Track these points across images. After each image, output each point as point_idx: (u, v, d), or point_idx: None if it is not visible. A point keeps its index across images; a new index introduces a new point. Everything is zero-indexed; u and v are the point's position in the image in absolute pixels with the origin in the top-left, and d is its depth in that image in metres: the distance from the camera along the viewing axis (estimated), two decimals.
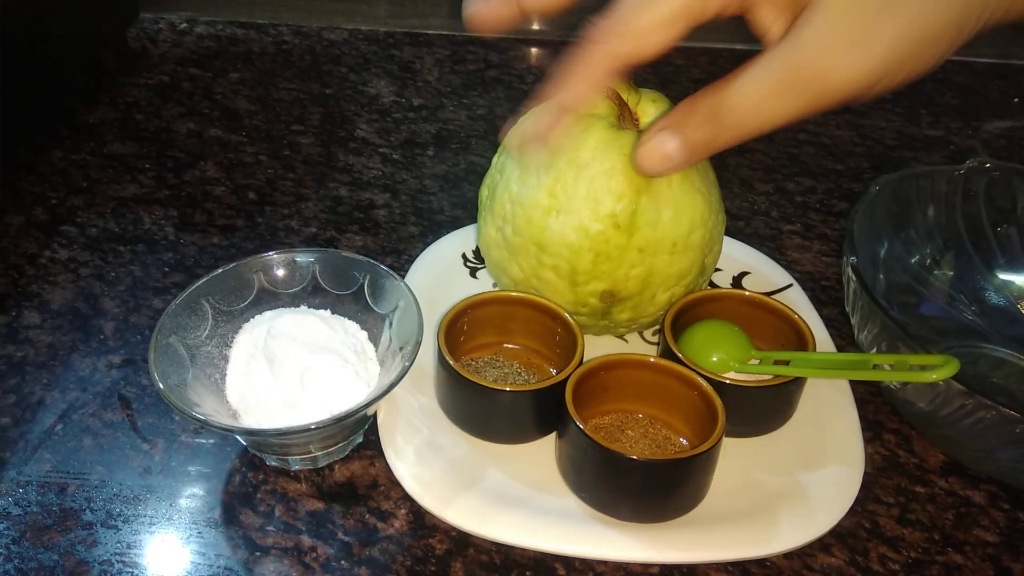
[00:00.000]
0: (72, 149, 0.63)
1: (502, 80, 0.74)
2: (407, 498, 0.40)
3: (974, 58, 0.80)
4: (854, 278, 0.42)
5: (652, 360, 0.41)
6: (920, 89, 0.75)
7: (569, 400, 0.38)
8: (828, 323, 0.49)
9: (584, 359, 0.41)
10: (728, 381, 0.40)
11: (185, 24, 0.80)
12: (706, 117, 0.32)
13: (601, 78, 0.33)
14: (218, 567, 0.37)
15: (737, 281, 0.52)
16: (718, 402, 0.38)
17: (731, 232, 0.56)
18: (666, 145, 0.33)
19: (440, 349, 0.40)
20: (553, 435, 0.41)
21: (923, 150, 0.68)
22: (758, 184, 0.63)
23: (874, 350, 0.41)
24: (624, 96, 0.43)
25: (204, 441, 0.43)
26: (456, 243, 0.53)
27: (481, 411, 0.41)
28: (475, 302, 0.44)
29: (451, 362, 0.40)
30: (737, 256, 0.53)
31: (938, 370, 0.33)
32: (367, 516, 0.40)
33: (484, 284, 0.51)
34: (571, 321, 0.42)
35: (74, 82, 0.70)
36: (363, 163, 0.63)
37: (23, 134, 0.62)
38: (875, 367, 0.38)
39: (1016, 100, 0.75)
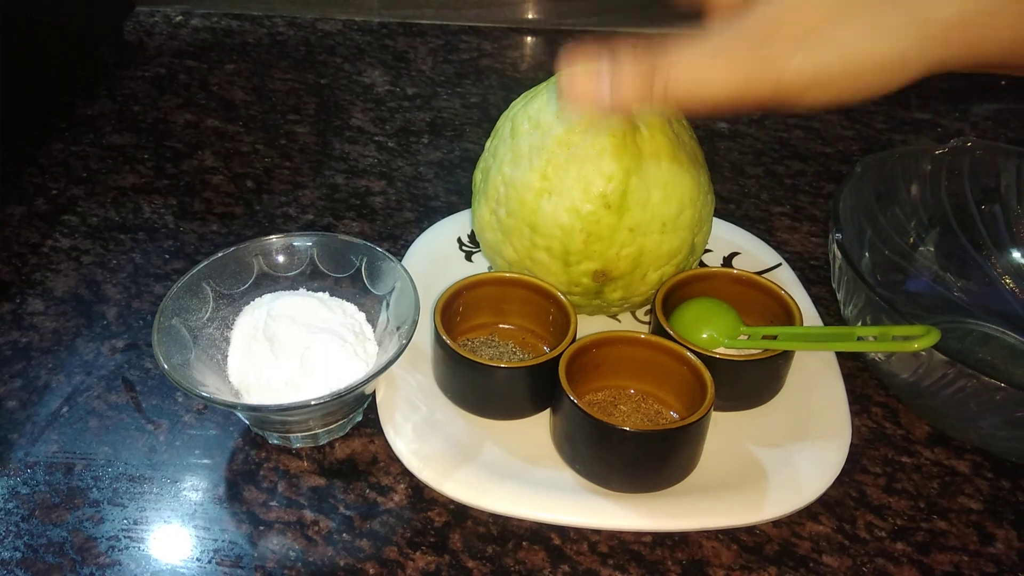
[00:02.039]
0: (72, 141, 0.64)
1: (495, 68, 0.75)
2: (406, 473, 0.41)
3: None
4: (839, 254, 0.43)
5: (642, 336, 0.42)
6: None
7: (563, 375, 0.39)
8: (816, 301, 0.50)
9: (577, 337, 0.42)
10: (718, 356, 0.41)
11: (180, 17, 0.81)
12: (646, 72, 0.32)
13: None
14: (223, 541, 0.39)
15: (728, 261, 0.53)
16: (707, 375, 0.39)
17: (722, 214, 0.57)
18: (601, 80, 0.32)
19: (436, 328, 0.41)
20: (547, 411, 0.42)
21: (912, 132, 0.69)
22: (748, 168, 0.64)
23: (859, 323, 0.42)
24: None
25: (207, 421, 0.44)
26: (451, 228, 0.54)
27: (477, 388, 0.42)
28: (470, 283, 0.44)
29: (447, 341, 0.41)
30: (728, 237, 0.54)
31: (919, 339, 0.35)
32: (367, 491, 0.41)
33: (479, 267, 0.51)
34: (564, 300, 0.43)
35: (72, 76, 0.71)
36: (359, 151, 0.64)
37: (24, 127, 0.63)
38: (859, 339, 0.39)
39: (1003, 82, 0.76)
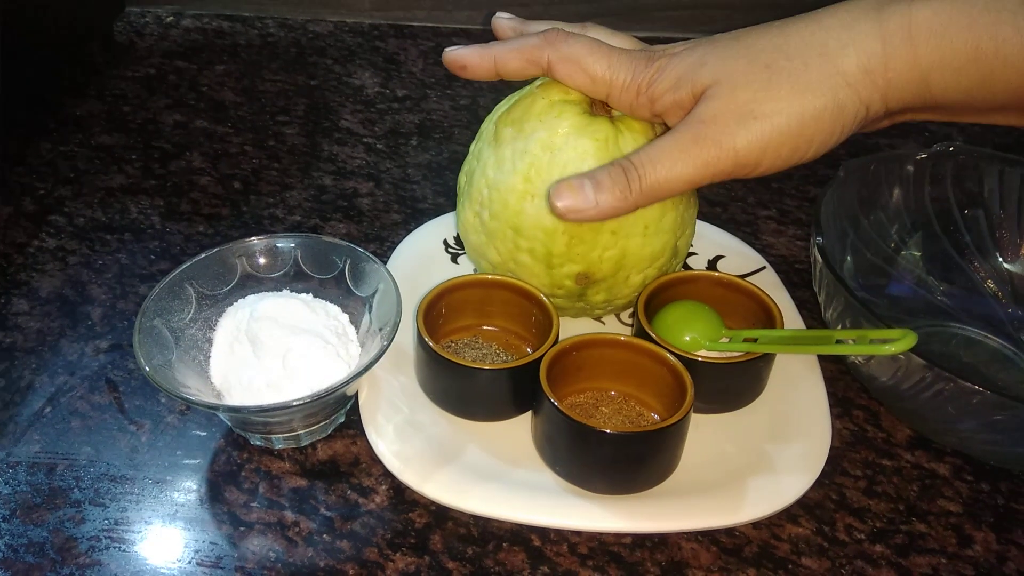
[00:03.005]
0: (60, 141, 0.64)
1: None
2: (387, 474, 0.41)
3: None
4: (819, 257, 0.43)
5: (623, 339, 0.42)
6: None
7: (543, 377, 0.39)
8: (800, 304, 0.50)
9: (560, 339, 0.42)
10: (700, 358, 0.41)
11: (171, 17, 0.81)
12: (621, 181, 0.37)
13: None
14: (203, 541, 0.39)
15: (712, 264, 0.53)
16: (687, 377, 0.39)
17: (708, 217, 0.57)
18: (585, 190, 0.37)
19: (419, 330, 0.42)
20: (529, 413, 0.42)
21: (899, 136, 0.69)
22: None
23: (839, 327, 0.42)
24: None
25: (190, 422, 0.44)
26: (437, 230, 0.54)
27: (459, 390, 0.42)
28: (453, 285, 0.45)
29: (429, 342, 0.41)
30: (713, 240, 0.54)
31: (896, 343, 0.35)
32: (349, 492, 0.41)
33: (465, 269, 0.52)
34: (547, 303, 0.44)
35: (62, 75, 0.71)
36: (347, 153, 0.64)
37: (11, 126, 0.63)
38: (838, 342, 0.39)
39: None
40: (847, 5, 0.36)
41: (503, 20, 0.44)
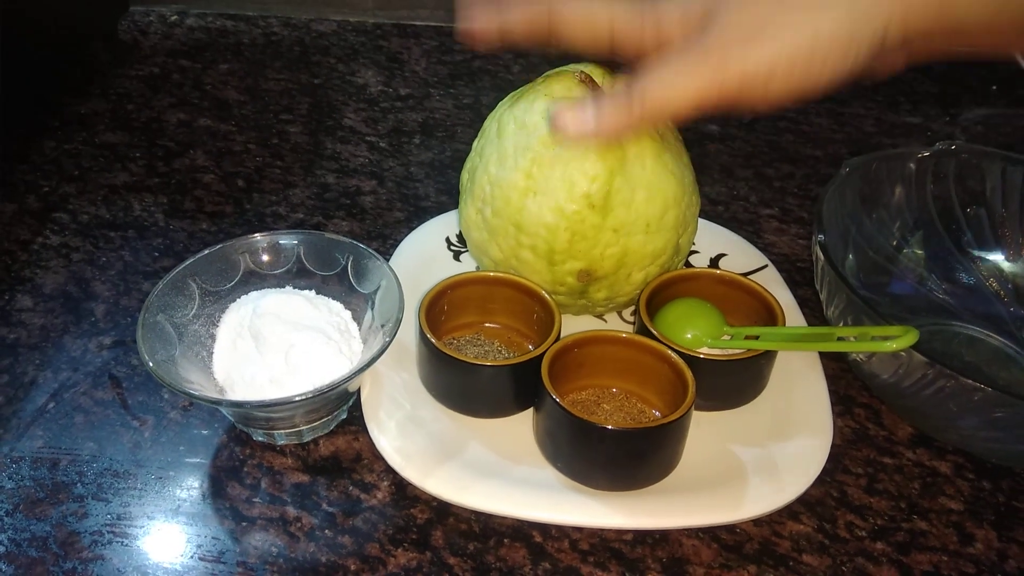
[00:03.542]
0: (64, 139, 0.64)
1: (488, 70, 0.75)
2: (389, 470, 0.41)
3: None
4: (821, 255, 0.43)
5: (624, 336, 0.42)
6: (900, 77, 0.76)
7: (545, 374, 0.39)
8: (802, 303, 0.50)
9: (562, 336, 0.42)
10: (701, 356, 0.41)
11: (175, 16, 0.81)
12: (622, 98, 0.35)
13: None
14: (206, 536, 0.39)
15: (714, 263, 0.53)
16: (689, 374, 0.39)
17: (710, 216, 0.57)
18: (586, 107, 0.36)
19: (421, 326, 0.42)
20: (530, 410, 0.42)
21: (902, 136, 0.69)
22: (738, 170, 0.64)
23: (841, 324, 0.42)
24: (598, 80, 0.44)
25: (192, 418, 0.44)
26: (440, 227, 0.54)
27: (461, 386, 0.42)
28: (456, 282, 0.45)
29: (432, 339, 0.41)
30: (715, 239, 0.54)
31: (898, 340, 0.35)
32: (351, 488, 0.41)
33: (467, 267, 0.52)
34: (549, 300, 0.44)
35: (66, 74, 0.71)
36: (350, 151, 0.64)
37: (16, 125, 0.63)
38: (839, 339, 0.39)
39: (994, 87, 0.76)
40: None
41: None
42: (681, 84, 0.34)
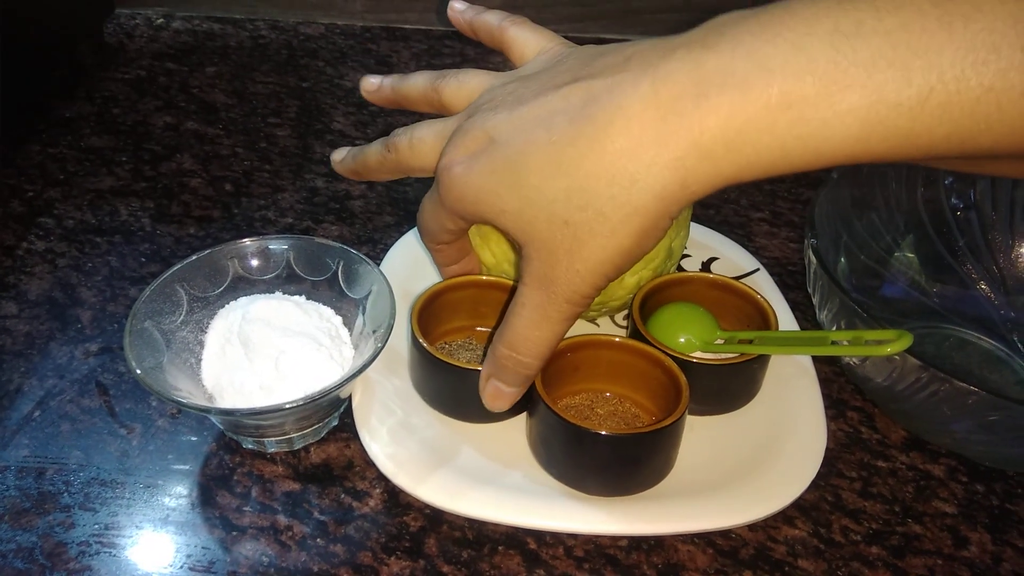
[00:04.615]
0: (49, 143, 0.63)
1: None
2: (382, 478, 0.41)
3: None
4: (813, 258, 0.43)
5: (618, 340, 0.42)
6: None
7: (538, 379, 0.39)
8: (794, 306, 0.50)
9: None
10: (695, 360, 0.41)
11: (161, 19, 0.80)
12: (504, 363, 0.37)
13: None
14: (195, 546, 0.38)
15: (706, 266, 0.53)
16: (682, 379, 0.39)
17: (701, 219, 0.57)
18: (501, 389, 0.38)
19: (413, 331, 0.41)
20: (524, 415, 0.42)
21: None
22: None
23: (834, 328, 0.42)
24: None
25: (181, 426, 0.43)
26: None
27: (454, 391, 0.42)
28: (448, 286, 0.44)
29: (423, 343, 0.41)
30: (706, 242, 0.54)
31: (892, 344, 0.35)
32: (342, 496, 0.40)
33: None
34: None
35: (51, 77, 0.70)
36: None
37: (0, 128, 0.62)
38: (833, 343, 0.39)
39: None
40: (633, 117, 0.30)
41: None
42: (538, 335, 0.36)
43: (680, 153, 0.29)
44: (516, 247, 0.38)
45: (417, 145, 0.40)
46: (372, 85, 0.45)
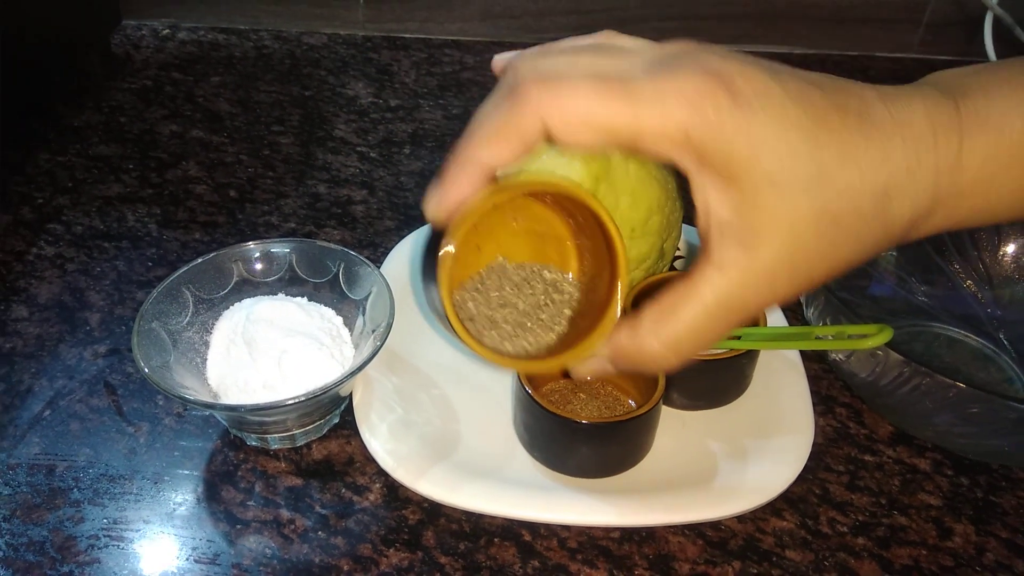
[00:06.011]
0: (58, 151, 0.65)
1: (477, 81, 0.77)
2: (381, 473, 0.42)
3: (955, 56, 0.83)
4: None
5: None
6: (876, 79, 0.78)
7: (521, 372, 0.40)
8: (784, 305, 0.52)
9: None
10: None
11: (167, 30, 0.82)
12: (645, 360, 0.31)
13: (473, 183, 0.33)
14: (200, 539, 0.39)
15: None
16: None
17: (694, 221, 0.58)
18: (607, 370, 0.33)
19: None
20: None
21: None
22: None
23: (820, 324, 0.44)
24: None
25: (187, 424, 0.45)
26: None
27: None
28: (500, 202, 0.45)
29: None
30: (698, 243, 0.55)
31: (873, 337, 0.36)
32: (343, 490, 0.42)
33: None
34: None
35: (60, 87, 0.72)
36: (341, 161, 0.65)
37: (10, 137, 0.64)
38: (817, 338, 0.40)
39: None
40: (908, 129, 0.28)
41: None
42: (690, 347, 0.30)
43: (944, 184, 0.29)
44: (719, 217, 0.30)
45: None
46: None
